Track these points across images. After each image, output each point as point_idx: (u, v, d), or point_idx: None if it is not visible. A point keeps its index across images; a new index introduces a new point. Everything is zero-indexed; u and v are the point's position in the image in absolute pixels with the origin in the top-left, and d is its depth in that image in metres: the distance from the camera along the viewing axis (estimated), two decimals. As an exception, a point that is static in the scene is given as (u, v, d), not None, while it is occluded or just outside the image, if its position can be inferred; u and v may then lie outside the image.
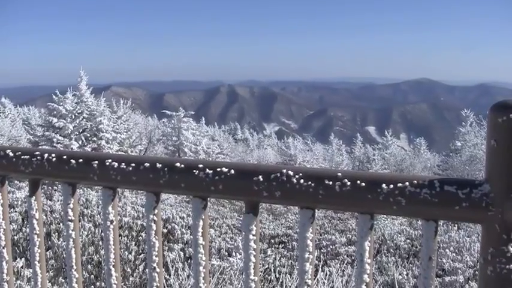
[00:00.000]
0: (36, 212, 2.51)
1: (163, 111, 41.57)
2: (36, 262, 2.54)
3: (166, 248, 13.47)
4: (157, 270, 2.28)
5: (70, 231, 2.44)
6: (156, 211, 2.25)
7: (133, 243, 13.10)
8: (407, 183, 1.78)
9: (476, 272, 12.96)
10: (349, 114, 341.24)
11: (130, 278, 10.81)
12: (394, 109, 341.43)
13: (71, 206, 2.42)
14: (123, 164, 2.21)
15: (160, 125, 44.09)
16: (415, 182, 1.78)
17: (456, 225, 19.30)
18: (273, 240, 17.80)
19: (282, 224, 21.53)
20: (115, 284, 2.39)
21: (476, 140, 35.91)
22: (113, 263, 2.38)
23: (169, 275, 9.01)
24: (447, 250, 15.32)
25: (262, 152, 57.96)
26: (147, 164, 2.17)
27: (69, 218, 2.42)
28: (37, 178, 2.51)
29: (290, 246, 16.52)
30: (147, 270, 2.30)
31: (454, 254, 15.03)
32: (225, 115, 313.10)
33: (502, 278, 1.68)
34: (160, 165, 2.14)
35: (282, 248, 16.66)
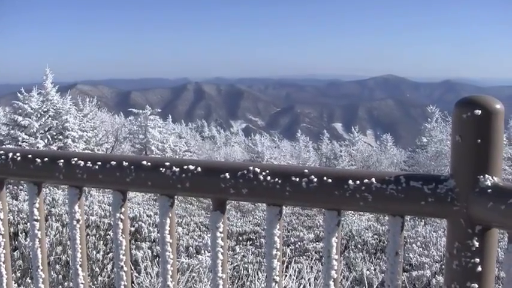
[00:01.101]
0: (0, 212, 2.48)
1: (130, 109, 41.38)
2: (1, 263, 2.51)
3: (134, 246, 13.40)
4: (125, 269, 2.27)
5: (36, 231, 2.42)
6: (123, 209, 2.24)
7: (101, 242, 13.01)
8: (373, 179, 1.79)
9: (443, 266, 13.08)
10: (316, 111, 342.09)
11: (99, 278, 10.73)
12: (360, 106, 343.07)
13: (37, 205, 2.40)
14: (89, 162, 2.20)
15: (127, 123, 43.85)
16: (382, 178, 1.80)
17: (423, 220, 19.45)
18: (241, 238, 17.80)
19: (249, 221, 21.53)
20: (82, 283, 2.38)
21: (441, 136, 36.26)
22: (80, 263, 2.37)
23: (138, 273, 8.98)
24: (414, 245, 15.43)
25: (230, 149, 57.88)
26: (113, 162, 2.16)
27: (35, 217, 2.40)
28: (1, 178, 2.49)
29: (258, 243, 16.53)
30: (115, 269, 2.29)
31: (421, 249, 15.15)
32: (192, 113, 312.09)
33: (467, 272, 1.70)
34: (127, 163, 2.13)
35: (250, 245, 16.66)
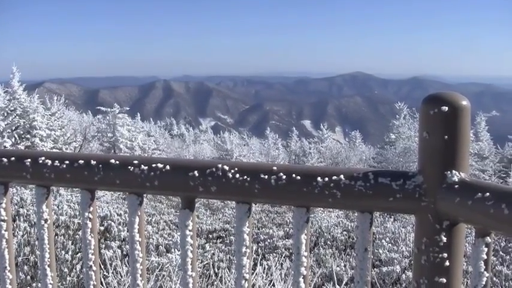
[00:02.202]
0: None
1: (98, 107, 41.09)
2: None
3: (104, 245, 13.32)
4: (94, 268, 2.26)
5: (3, 232, 2.39)
6: (91, 209, 2.23)
7: (70, 242, 12.91)
8: (342, 176, 1.80)
9: (412, 262, 13.21)
10: (285, 109, 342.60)
11: (68, 278, 10.65)
12: (329, 103, 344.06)
13: (3, 205, 2.37)
14: (57, 161, 2.18)
15: (95, 122, 43.59)
16: (350, 174, 1.80)
17: (392, 216, 19.57)
18: (210, 236, 17.76)
19: (219, 219, 21.49)
20: (50, 284, 2.36)
21: (409, 133, 36.55)
22: (48, 263, 2.34)
23: (108, 273, 8.92)
24: (383, 241, 15.52)
25: (199, 147, 57.75)
26: (81, 161, 2.14)
27: (2, 218, 2.38)
28: (-34, 178, 2.46)
29: (228, 241, 16.51)
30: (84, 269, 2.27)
31: (390, 245, 15.24)
32: (161, 111, 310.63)
33: (435, 267, 1.72)
34: (95, 162, 2.12)
35: (220, 242, 16.64)
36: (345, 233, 17.16)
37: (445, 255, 1.71)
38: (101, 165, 2.11)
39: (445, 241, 1.70)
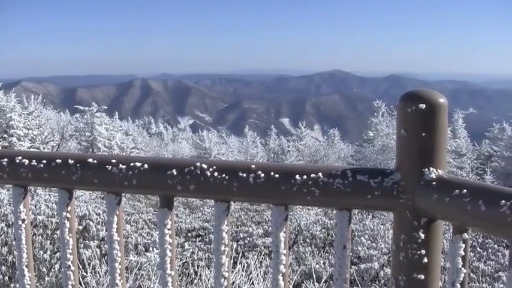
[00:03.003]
0: None
1: (76, 106, 40.81)
2: None
3: (82, 245, 13.27)
4: (72, 268, 2.25)
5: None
6: (69, 208, 2.21)
7: (49, 242, 12.85)
8: (320, 173, 1.80)
9: (391, 259, 13.29)
10: (263, 107, 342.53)
11: (46, 278, 10.60)
12: (307, 101, 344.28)
13: (-20, 205, 2.36)
14: (34, 161, 2.17)
15: (73, 121, 43.26)
16: (328, 172, 1.81)
17: (371, 213, 19.65)
18: (190, 234, 17.74)
19: (198, 217, 21.47)
20: (28, 284, 2.34)
21: (388, 130, 36.61)
22: (26, 263, 2.33)
23: (86, 273, 8.88)
24: (362, 238, 15.59)
25: (177, 145, 57.63)
26: (58, 161, 2.13)
27: (-21, 217, 2.36)
28: None
29: (207, 239, 16.50)
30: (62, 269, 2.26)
31: (369, 242, 15.31)
32: (139, 109, 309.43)
33: (413, 263, 1.72)
34: (73, 161, 2.10)
35: (199, 241, 16.63)
36: (323, 230, 17.21)
37: (423, 251, 1.72)
38: (78, 165, 2.10)
39: (423, 238, 1.71)
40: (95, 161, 2.09)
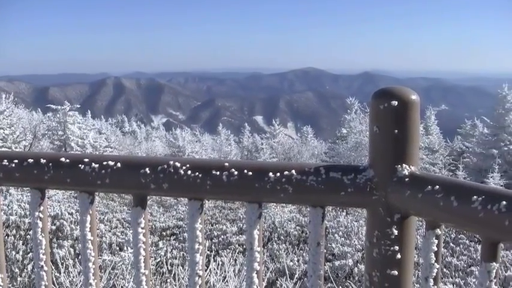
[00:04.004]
0: None
1: (48, 105, 40.49)
2: None
3: (56, 245, 13.19)
4: (45, 268, 2.23)
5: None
6: (41, 208, 2.19)
7: (21, 242, 12.76)
8: (293, 171, 1.80)
9: (364, 255, 13.35)
10: (237, 104, 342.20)
11: (19, 278, 10.53)
12: (280, 98, 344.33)
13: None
14: (6, 160, 2.14)
15: (45, 120, 42.90)
16: (302, 169, 1.81)
17: (344, 210, 19.72)
18: (164, 233, 17.71)
19: (172, 216, 21.41)
20: (0, 285, 2.32)
21: (361, 127, 36.71)
22: (-2, 264, 2.31)
23: (60, 273, 8.83)
24: (336, 235, 15.66)
25: (151, 144, 57.39)
26: (30, 160, 2.11)
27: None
28: None
29: (181, 238, 16.47)
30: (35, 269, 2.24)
31: (343, 239, 15.38)
32: (112, 108, 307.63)
33: (387, 259, 1.73)
34: (45, 160, 2.09)
35: (174, 240, 16.60)
36: (298, 228, 17.25)
37: (397, 247, 1.72)
38: (51, 164, 2.08)
39: (396, 234, 1.72)
40: (68, 160, 2.07)
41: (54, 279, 8.19)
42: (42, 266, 2.23)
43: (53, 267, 8.01)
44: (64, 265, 9.25)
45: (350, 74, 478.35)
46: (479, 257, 1.57)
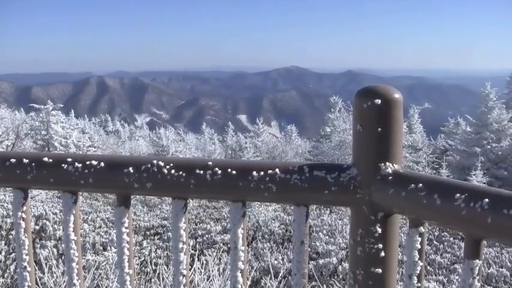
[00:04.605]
0: None
1: (31, 104, 40.37)
2: None
3: (39, 245, 13.14)
4: (28, 269, 2.21)
5: None
6: (24, 208, 2.18)
7: (4, 242, 12.71)
8: (277, 169, 1.80)
9: (348, 253, 13.38)
10: (220, 103, 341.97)
11: (1, 279, 10.48)
12: (264, 97, 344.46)
13: None
14: (-13, 160, 2.13)
15: (28, 119, 42.72)
16: (285, 168, 1.81)
17: (329, 209, 19.76)
18: (148, 232, 17.67)
19: (157, 215, 21.36)
20: (-17, 285, 2.31)
21: (345, 126, 36.78)
22: (-20, 264, 2.29)
23: (43, 273, 8.79)
24: (320, 233, 15.68)
25: (134, 143, 57.21)
26: (13, 160, 2.09)
27: None
28: None
29: (166, 237, 16.44)
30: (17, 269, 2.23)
31: (327, 237, 15.41)
32: (95, 107, 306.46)
33: (371, 257, 1.74)
34: (27, 160, 2.07)
35: (158, 239, 16.57)
36: (282, 226, 17.26)
37: (380, 245, 1.73)
38: (33, 164, 2.06)
39: (380, 232, 1.72)
40: (51, 160, 2.06)
41: (37, 279, 8.15)
42: (25, 267, 2.21)
43: (36, 268, 7.97)
44: (48, 265, 9.22)
45: (333, 73, 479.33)
46: (462, 255, 1.58)
